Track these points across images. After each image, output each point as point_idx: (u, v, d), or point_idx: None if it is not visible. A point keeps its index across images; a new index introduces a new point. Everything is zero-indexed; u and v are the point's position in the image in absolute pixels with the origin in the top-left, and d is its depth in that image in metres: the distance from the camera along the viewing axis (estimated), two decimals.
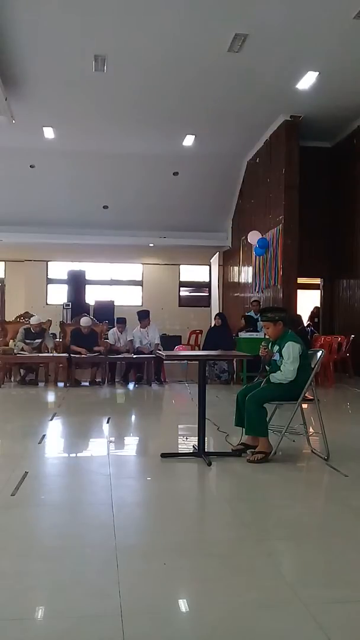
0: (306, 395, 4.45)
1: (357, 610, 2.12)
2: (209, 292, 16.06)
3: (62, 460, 4.51)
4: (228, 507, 3.38)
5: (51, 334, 9.71)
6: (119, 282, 16.17)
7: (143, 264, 16.07)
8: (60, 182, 12.83)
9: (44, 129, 10.83)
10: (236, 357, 7.87)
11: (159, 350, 8.41)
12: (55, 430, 5.58)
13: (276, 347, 4.39)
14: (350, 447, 4.75)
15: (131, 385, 8.81)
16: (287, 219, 10.11)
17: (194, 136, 11.24)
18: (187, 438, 5.10)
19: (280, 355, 4.31)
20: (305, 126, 10.20)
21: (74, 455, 4.72)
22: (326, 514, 3.31)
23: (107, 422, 5.78)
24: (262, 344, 4.53)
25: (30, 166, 12.46)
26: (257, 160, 11.99)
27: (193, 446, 4.52)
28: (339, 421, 6.12)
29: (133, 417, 6.71)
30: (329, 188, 11.28)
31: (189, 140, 11.41)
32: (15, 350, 8.62)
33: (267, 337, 4.62)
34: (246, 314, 10.65)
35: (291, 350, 4.23)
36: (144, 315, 9.33)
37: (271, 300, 10.81)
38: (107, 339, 9.24)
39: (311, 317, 12.94)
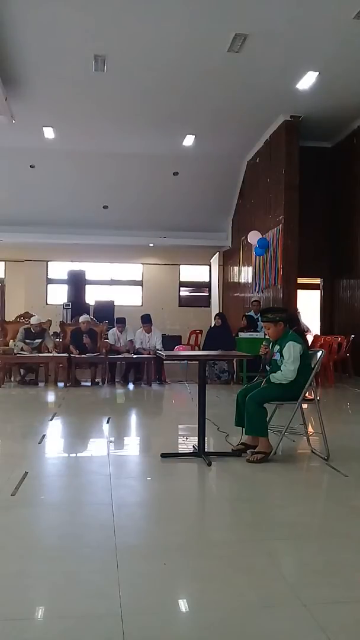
0: (306, 395, 4.45)
1: (357, 610, 2.11)
2: (209, 292, 16.07)
3: (62, 460, 4.51)
4: (228, 507, 3.38)
5: (52, 334, 9.71)
6: (119, 282, 16.16)
7: (143, 264, 16.06)
8: (60, 182, 12.84)
9: (44, 129, 10.84)
10: (236, 357, 7.87)
11: (159, 350, 8.42)
12: (55, 430, 5.58)
13: (277, 347, 4.39)
14: (350, 447, 4.75)
15: (131, 385, 8.81)
16: (287, 219, 10.12)
17: (194, 136, 11.24)
18: (187, 438, 5.10)
19: (281, 355, 4.31)
20: (305, 126, 10.20)
21: (74, 455, 4.72)
22: (326, 514, 3.31)
23: (107, 422, 5.78)
24: (263, 343, 4.53)
25: (30, 166, 12.46)
26: (257, 160, 11.99)
27: (193, 446, 4.51)
28: (339, 421, 6.13)
29: (133, 417, 6.70)
30: (329, 188, 11.29)
31: (189, 140, 11.41)
32: (15, 350, 8.62)
33: (267, 336, 4.62)
34: (246, 313, 10.65)
35: (292, 350, 4.22)
36: (146, 320, 9.33)
37: (271, 300, 10.81)
38: (107, 339, 9.25)
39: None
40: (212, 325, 9.90)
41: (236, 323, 10.46)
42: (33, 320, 8.91)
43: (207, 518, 3.29)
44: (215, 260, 15.30)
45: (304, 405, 4.76)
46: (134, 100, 9.62)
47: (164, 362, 8.85)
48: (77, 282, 13.88)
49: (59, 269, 15.57)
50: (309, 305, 12.90)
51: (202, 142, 11.52)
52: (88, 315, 9.58)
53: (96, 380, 8.82)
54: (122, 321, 9.44)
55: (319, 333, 11.24)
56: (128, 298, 15.59)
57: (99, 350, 8.82)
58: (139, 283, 16.18)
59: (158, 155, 12.22)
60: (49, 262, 15.81)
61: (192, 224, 13.98)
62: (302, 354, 4.26)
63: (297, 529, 2.96)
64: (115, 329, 9.38)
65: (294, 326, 4.54)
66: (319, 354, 4.48)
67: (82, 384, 8.76)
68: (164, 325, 13.31)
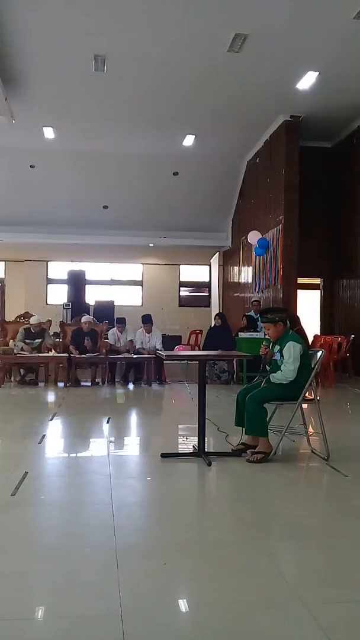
0: (306, 395, 4.45)
1: (357, 610, 2.11)
2: (209, 292, 16.07)
3: (62, 460, 4.51)
4: (228, 507, 3.38)
5: (52, 334, 9.72)
6: (119, 282, 16.16)
7: (143, 264, 16.06)
8: (60, 182, 12.84)
9: (44, 129, 10.84)
10: (236, 357, 7.87)
11: (159, 350, 8.42)
12: (55, 430, 5.58)
13: (277, 347, 4.39)
14: (350, 447, 4.75)
15: (131, 385, 8.81)
16: (287, 219, 10.12)
17: (194, 136, 11.24)
18: (187, 438, 5.10)
19: (281, 355, 4.30)
20: (305, 126, 10.21)
21: (74, 455, 4.72)
22: (326, 514, 3.31)
23: (107, 422, 5.78)
24: (263, 343, 4.53)
25: (30, 166, 12.47)
26: (257, 160, 11.99)
27: (193, 446, 4.51)
28: (339, 421, 6.12)
29: (133, 417, 6.71)
30: (329, 188, 11.29)
31: (189, 140, 11.42)
32: (15, 350, 8.62)
33: (267, 336, 4.62)
34: (246, 313, 10.65)
35: (292, 350, 4.22)
36: (146, 320, 9.34)
37: (271, 300, 10.81)
38: (107, 339, 9.25)
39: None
40: (212, 325, 9.90)
41: (236, 323, 10.46)
42: (33, 320, 8.91)
43: (207, 518, 3.29)
44: (215, 260, 15.30)
45: (304, 405, 4.76)
46: (134, 100, 9.62)
47: (164, 362, 8.84)
48: (77, 282, 13.88)
49: (59, 269, 15.57)
50: (309, 305, 12.91)
51: (202, 142, 11.52)
52: (90, 316, 9.59)
53: (96, 380, 8.82)
54: (122, 321, 9.44)
55: (319, 333, 11.24)
56: (128, 298, 15.59)
57: (99, 350, 8.81)
58: (139, 283, 16.18)
59: (158, 155, 12.22)
60: (49, 262, 15.82)
61: (192, 224, 13.97)
62: (302, 354, 4.26)
63: (297, 529, 2.96)
64: (115, 329, 9.38)
65: (294, 326, 4.53)
66: (319, 354, 4.48)
67: (82, 384, 8.76)
68: (164, 325, 13.31)
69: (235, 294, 13.94)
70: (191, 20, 7.07)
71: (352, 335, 9.77)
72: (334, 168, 11.25)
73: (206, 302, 16.03)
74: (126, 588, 2.21)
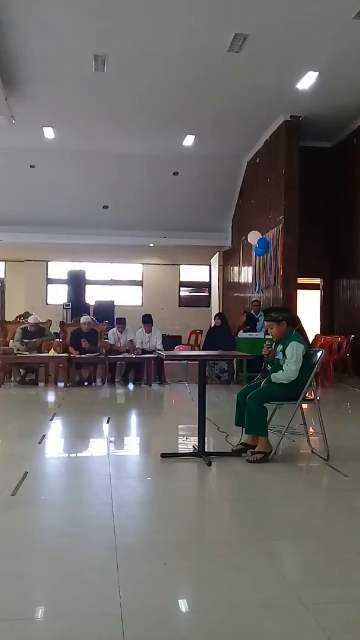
0: (306, 395, 4.45)
1: (357, 610, 2.11)
2: (209, 292, 16.07)
3: (62, 460, 4.51)
4: (228, 507, 3.38)
5: (52, 333, 9.71)
6: (119, 282, 16.17)
7: (143, 264, 16.07)
8: (60, 182, 12.84)
9: (44, 129, 10.84)
10: (236, 357, 7.87)
11: (159, 350, 8.42)
12: (55, 430, 5.58)
13: (279, 347, 4.40)
14: (350, 447, 4.75)
15: (131, 385, 8.80)
16: (287, 219, 10.12)
17: (194, 136, 11.25)
18: (187, 438, 5.10)
19: (284, 355, 4.31)
20: (305, 126, 10.21)
21: (74, 455, 4.72)
22: (326, 514, 3.31)
23: (107, 422, 5.78)
24: (266, 343, 4.53)
25: (30, 166, 12.47)
26: (257, 160, 11.99)
27: (193, 446, 4.51)
28: (339, 421, 6.13)
29: (133, 417, 6.70)
30: (329, 188, 11.29)
31: (189, 140, 11.42)
32: (14, 350, 8.62)
33: (268, 336, 4.62)
34: (247, 311, 10.65)
35: (295, 350, 4.22)
36: (147, 320, 9.34)
37: (271, 300, 10.81)
38: (107, 339, 9.25)
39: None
40: (212, 326, 9.90)
41: (236, 323, 10.46)
42: (31, 320, 8.92)
43: (207, 518, 3.29)
44: (215, 260, 15.30)
45: (304, 405, 4.76)
46: (134, 100, 9.62)
47: (164, 362, 8.84)
48: (77, 282, 13.87)
49: (59, 269, 15.58)
50: (309, 305, 12.90)
51: (202, 142, 11.52)
52: (89, 316, 9.59)
53: (96, 378, 8.81)
54: (122, 321, 9.44)
55: (319, 333, 11.24)
56: (128, 298, 15.60)
57: (99, 350, 8.81)
58: (139, 283, 16.19)
59: (158, 155, 12.22)
60: (49, 262, 15.83)
61: (192, 224, 13.98)
62: (304, 354, 4.27)
63: (297, 528, 2.96)
64: (115, 329, 9.38)
65: (294, 326, 4.53)
66: (319, 354, 4.48)
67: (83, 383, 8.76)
68: (164, 325, 13.30)
69: (235, 294, 13.95)
70: (191, 20, 7.07)
71: (352, 335, 9.77)
72: (334, 168, 11.25)
73: (206, 302, 16.03)
74: (126, 588, 2.21)
